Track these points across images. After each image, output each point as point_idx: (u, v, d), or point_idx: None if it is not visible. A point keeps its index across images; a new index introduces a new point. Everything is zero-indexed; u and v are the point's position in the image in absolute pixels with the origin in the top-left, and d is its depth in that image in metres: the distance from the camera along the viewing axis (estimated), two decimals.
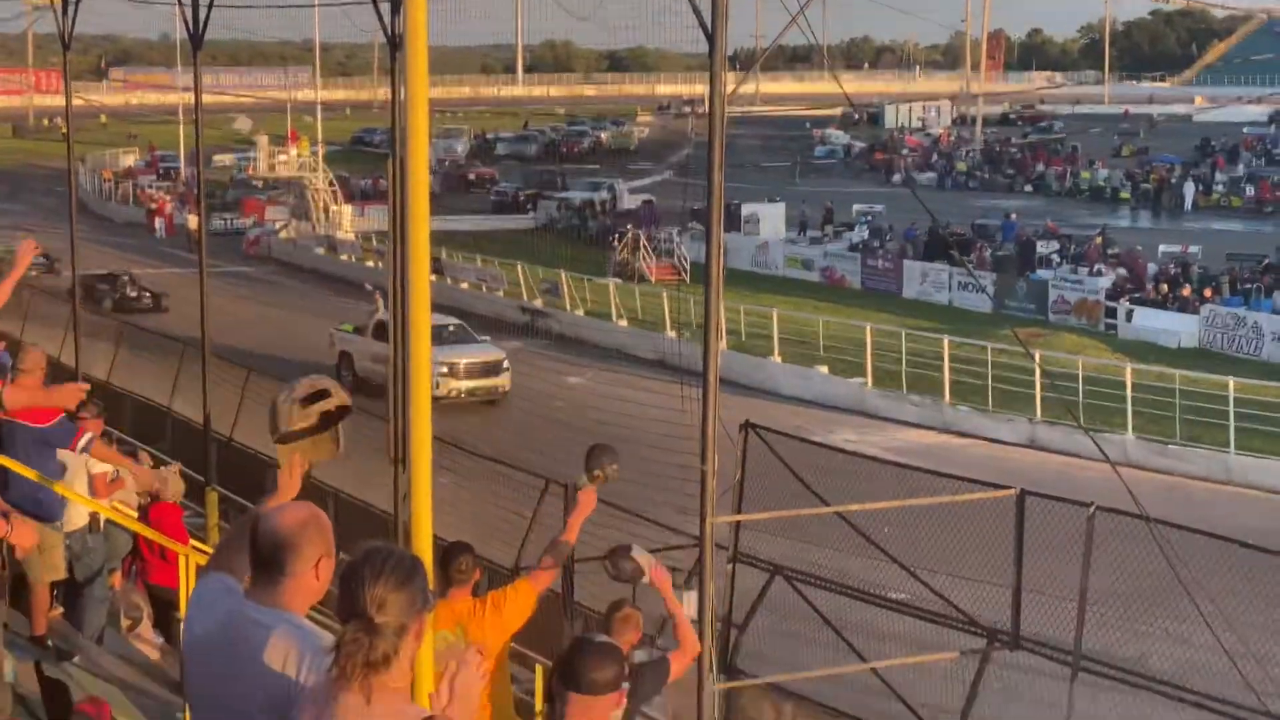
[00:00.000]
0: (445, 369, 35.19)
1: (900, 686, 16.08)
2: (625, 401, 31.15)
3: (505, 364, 37.38)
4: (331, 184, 71.39)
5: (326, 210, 69.74)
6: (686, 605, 15.29)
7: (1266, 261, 48.93)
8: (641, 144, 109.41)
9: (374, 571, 3.83)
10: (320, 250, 64.35)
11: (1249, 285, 46.12)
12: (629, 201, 71.87)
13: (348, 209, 70.83)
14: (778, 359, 40.50)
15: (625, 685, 9.48)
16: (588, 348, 43.52)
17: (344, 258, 61.92)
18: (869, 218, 62.63)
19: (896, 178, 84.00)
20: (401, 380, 11.25)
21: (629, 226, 60.56)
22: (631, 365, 41.00)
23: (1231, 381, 32.01)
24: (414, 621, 3.81)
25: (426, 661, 5.10)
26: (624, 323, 45.60)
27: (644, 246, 57.30)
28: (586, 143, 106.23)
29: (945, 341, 36.90)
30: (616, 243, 58.46)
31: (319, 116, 79.07)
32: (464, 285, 53.22)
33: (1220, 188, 75.62)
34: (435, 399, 26.85)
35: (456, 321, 38.58)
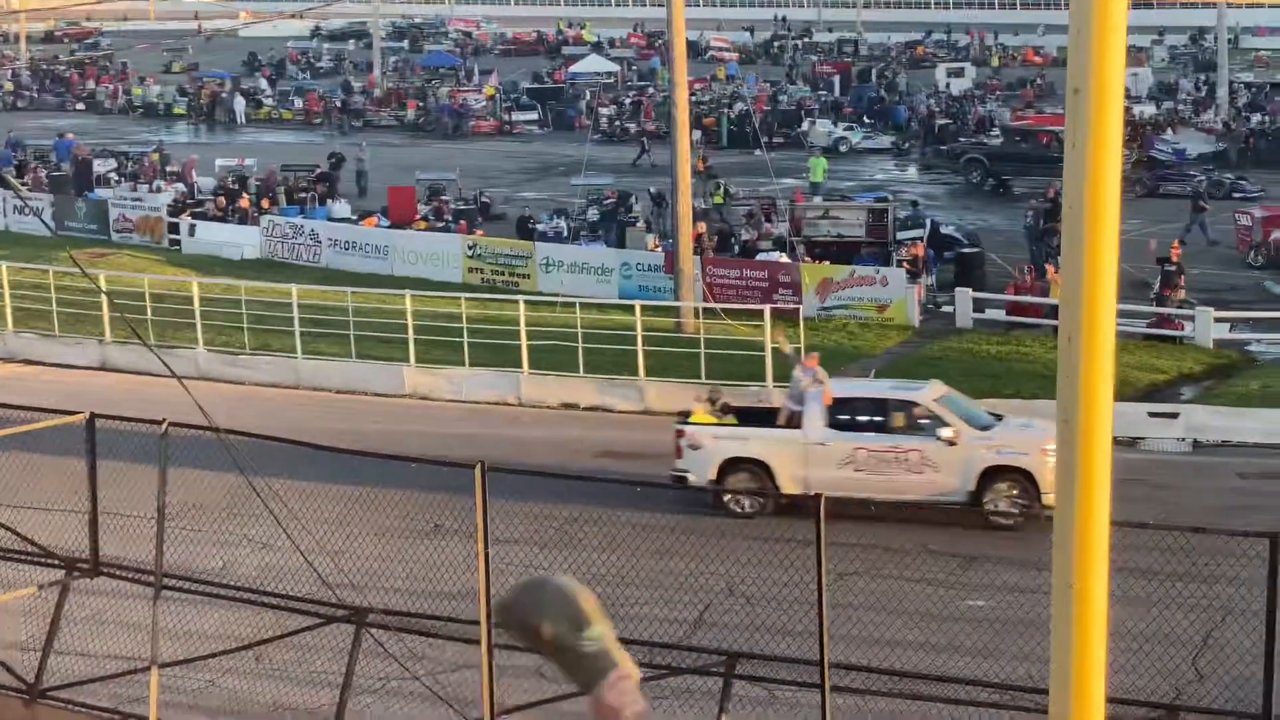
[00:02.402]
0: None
1: None
2: None
3: None
4: None
5: None
6: None
7: (319, 170, 50.56)
8: None
9: None
10: None
11: (305, 194, 47.50)
12: None
13: None
14: None
15: None
16: None
17: None
18: None
19: None
20: None
21: None
22: None
23: (295, 289, 32.86)
24: None
25: None
26: None
27: None
28: None
29: (3, 268, 35.28)
30: None
31: None
32: None
33: (270, 100, 77.09)
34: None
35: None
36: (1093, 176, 2.77)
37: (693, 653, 14.26)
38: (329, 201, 46.87)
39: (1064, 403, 2.85)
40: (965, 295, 34.08)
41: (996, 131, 55.85)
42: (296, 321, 31.93)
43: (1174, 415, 26.74)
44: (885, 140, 61.77)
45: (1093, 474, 2.84)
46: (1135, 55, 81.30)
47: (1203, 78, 72.84)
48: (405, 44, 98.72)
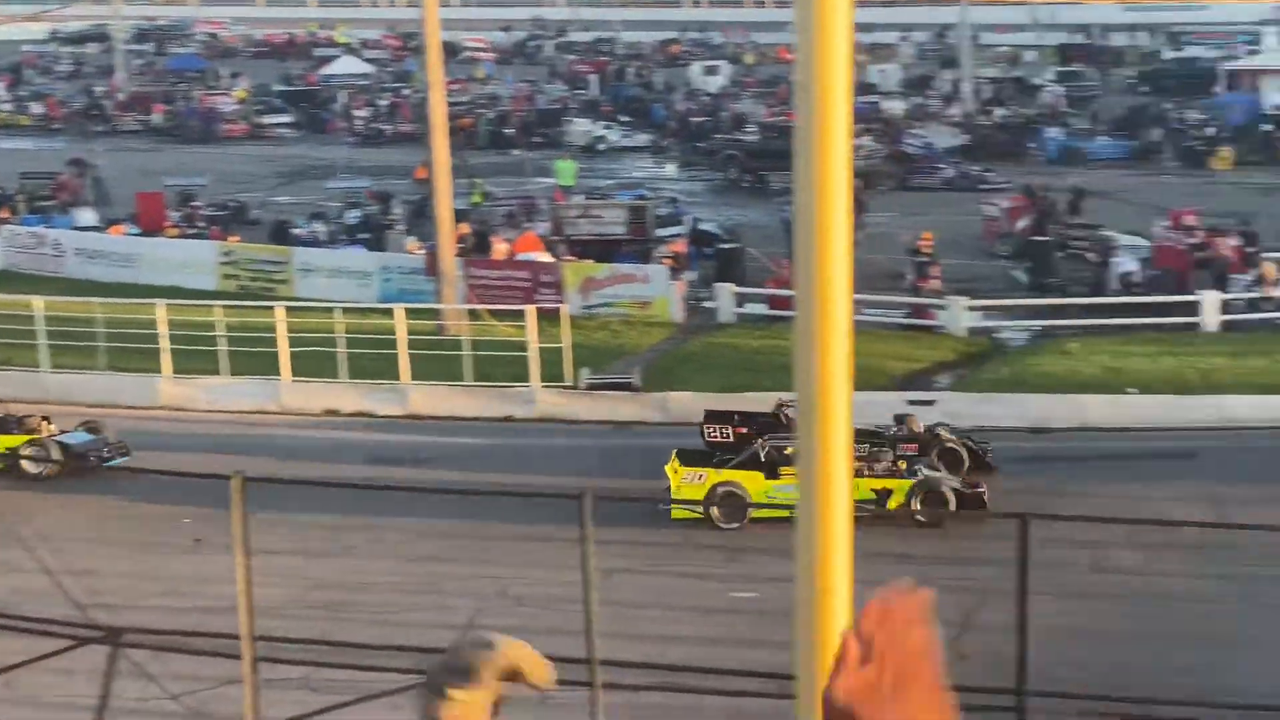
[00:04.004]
0: None
1: None
2: None
3: None
4: None
5: None
6: None
7: (60, 177, 49.00)
8: None
9: None
10: None
11: (47, 203, 45.99)
12: None
13: None
14: None
15: None
16: None
17: None
18: None
19: None
20: None
21: None
22: None
23: (38, 300, 31.71)
24: None
25: None
26: None
27: None
28: None
29: None
30: None
31: None
32: None
33: (8, 107, 74.40)
34: None
35: None
36: (820, 169, 2.77)
37: None
38: (72, 210, 45.42)
39: (803, 396, 2.85)
40: (726, 290, 34.47)
41: (753, 128, 56.57)
42: (42, 334, 30.86)
43: (931, 402, 27.42)
44: (643, 138, 62.13)
45: (832, 467, 2.84)
46: (884, 52, 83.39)
47: (948, 74, 74.76)
48: (150, 47, 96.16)
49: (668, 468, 22.61)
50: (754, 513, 21.91)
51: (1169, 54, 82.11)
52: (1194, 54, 78.74)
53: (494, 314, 32.18)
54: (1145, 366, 29.44)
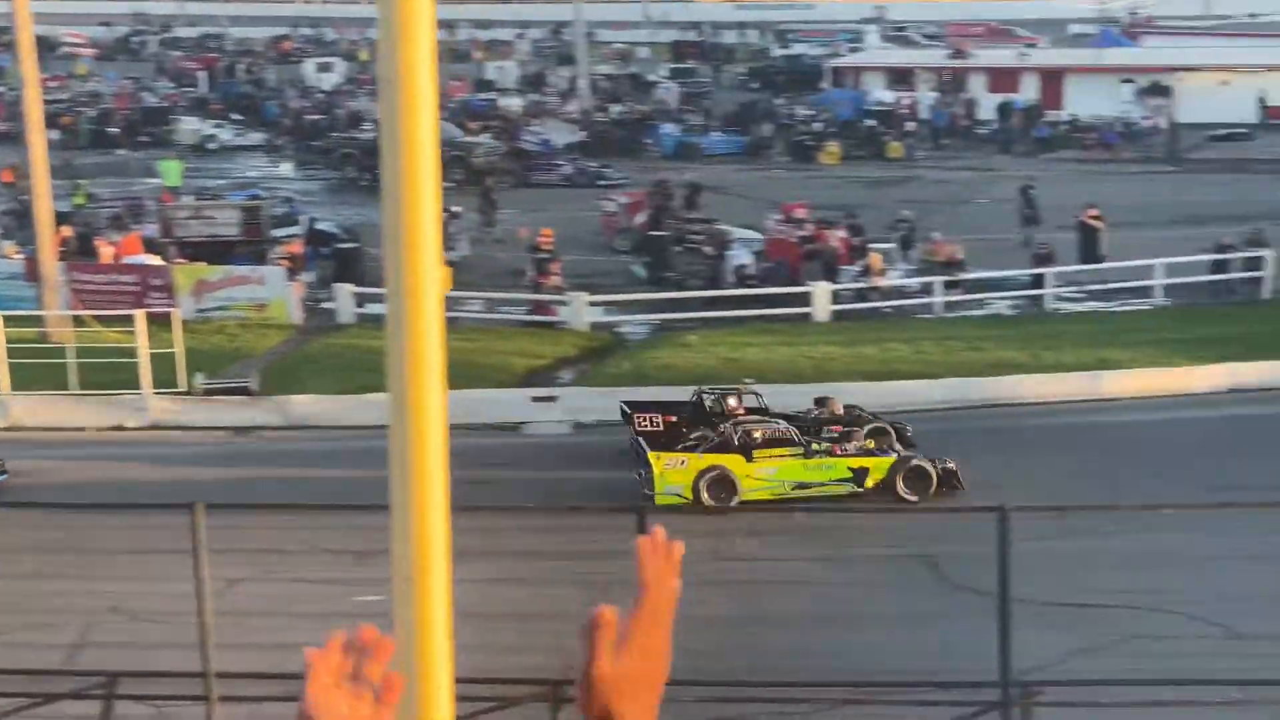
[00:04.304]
0: None
1: None
2: None
3: None
4: None
5: None
6: None
7: None
8: None
9: None
10: None
11: None
12: None
13: None
14: None
15: None
16: None
17: None
18: None
19: None
20: None
21: None
22: None
23: None
24: None
25: None
26: None
27: None
28: None
29: None
30: None
31: None
32: None
33: None
34: None
35: None
36: (407, 163, 2.70)
37: (70, 677, 13.55)
38: None
39: (395, 393, 2.78)
40: (345, 290, 34.02)
41: (369, 125, 55.93)
42: None
43: (553, 399, 27.64)
44: (256, 137, 60.79)
45: (427, 464, 2.77)
46: (502, 49, 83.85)
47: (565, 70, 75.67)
48: None
49: (650, 455, 22.61)
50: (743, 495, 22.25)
51: (777, 51, 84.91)
52: (800, 51, 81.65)
53: (101, 320, 30.98)
54: (762, 356, 30.36)
